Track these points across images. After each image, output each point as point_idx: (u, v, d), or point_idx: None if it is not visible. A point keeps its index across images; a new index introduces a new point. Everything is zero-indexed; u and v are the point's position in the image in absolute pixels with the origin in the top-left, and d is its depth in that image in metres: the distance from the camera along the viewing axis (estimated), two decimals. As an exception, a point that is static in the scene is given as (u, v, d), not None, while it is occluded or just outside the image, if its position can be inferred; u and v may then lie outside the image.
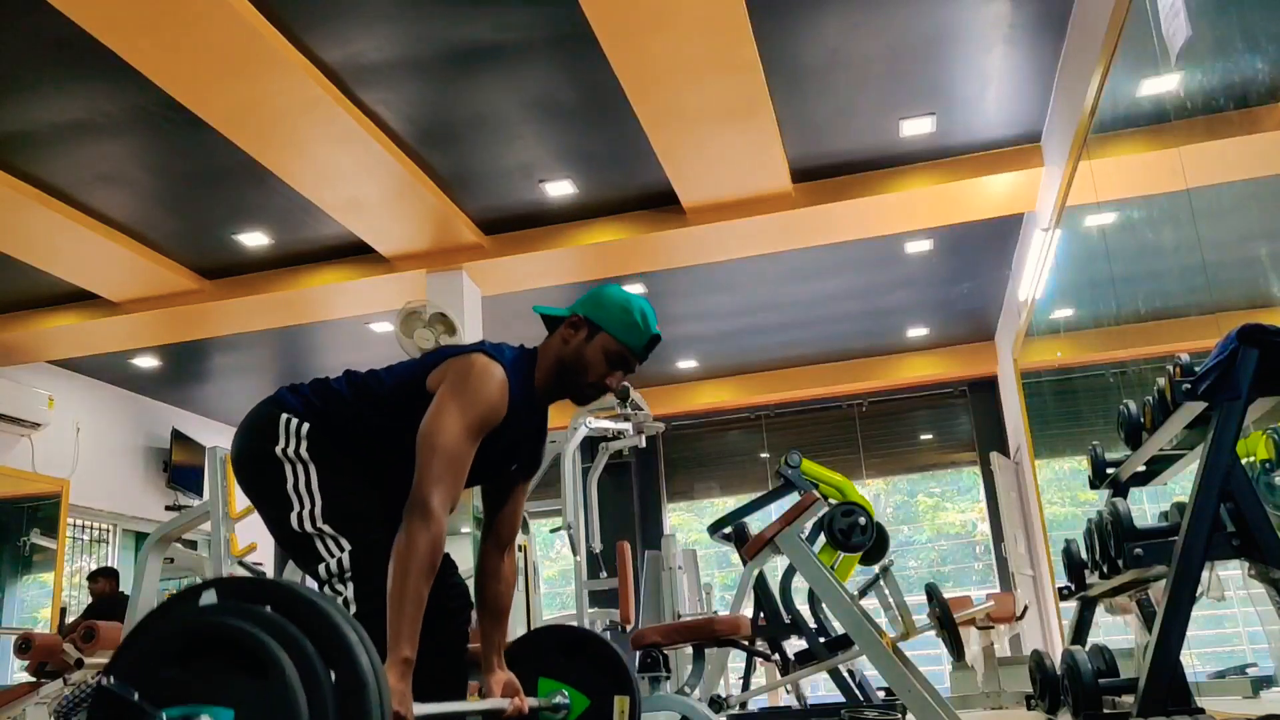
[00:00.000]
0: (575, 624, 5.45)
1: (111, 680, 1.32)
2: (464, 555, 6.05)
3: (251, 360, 8.63)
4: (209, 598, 1.38)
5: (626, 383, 5.60)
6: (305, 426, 1.94)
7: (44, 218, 5.74)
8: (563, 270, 6.81)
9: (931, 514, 10.67)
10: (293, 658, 1.31)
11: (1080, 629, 3.76)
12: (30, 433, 7.87)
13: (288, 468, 1.91)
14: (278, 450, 1.92)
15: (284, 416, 1.96)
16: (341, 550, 1.86)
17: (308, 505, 1.89)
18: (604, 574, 5.75)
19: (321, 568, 1.87)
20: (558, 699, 2.35)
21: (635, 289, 7.59)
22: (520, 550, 5.17)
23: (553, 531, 6.24)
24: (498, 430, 1.93)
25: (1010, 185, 6.02)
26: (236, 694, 1.30)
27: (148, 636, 1.39)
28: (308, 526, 1.88)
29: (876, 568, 4.92)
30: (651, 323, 2.05)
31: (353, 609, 1.83)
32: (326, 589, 1.87)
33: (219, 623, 1.34)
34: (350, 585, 1.84)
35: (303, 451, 1.92)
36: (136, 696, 1.30)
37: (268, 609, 1.35)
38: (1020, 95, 5.40)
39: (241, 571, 5.28)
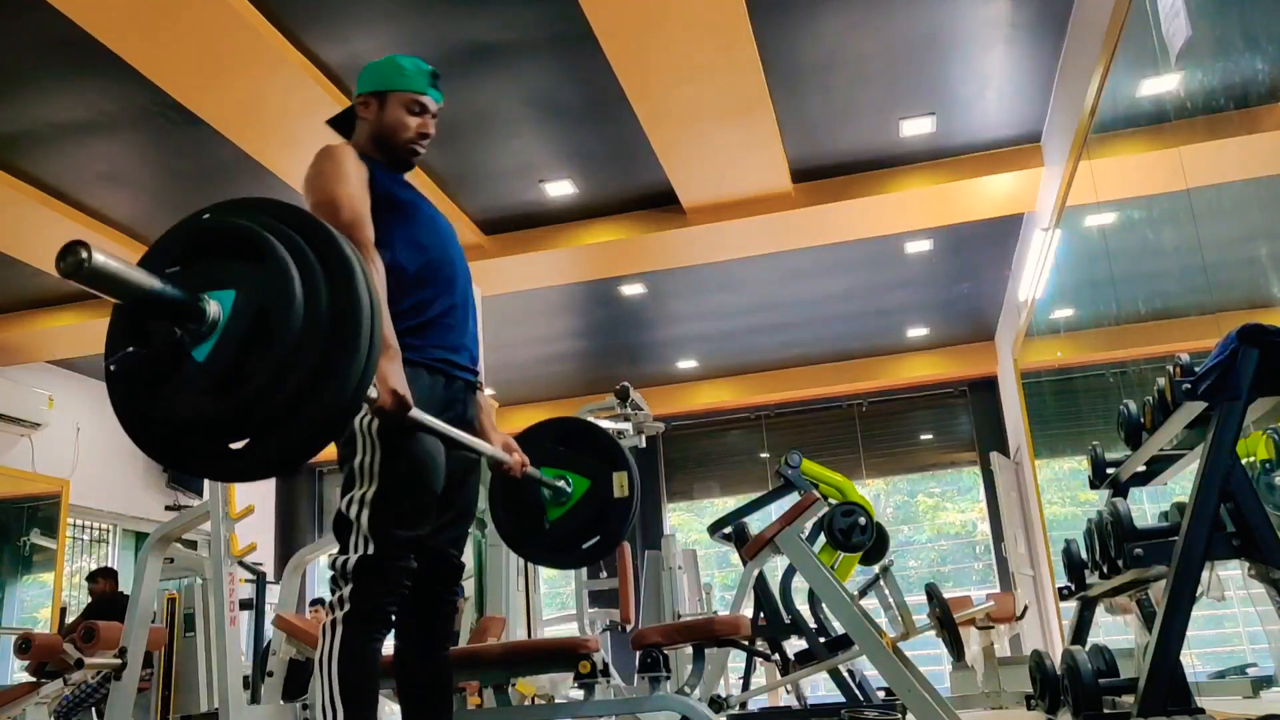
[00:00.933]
0: (577, 632, 5.46)
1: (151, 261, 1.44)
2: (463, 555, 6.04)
3: (251, 360, 8.63)
4: (206, 217, 1.51)
5: (626, 383, 5.60)
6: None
7: (44, 218, 5.74)
8: (563, 270, 6.81)
9: (931, 514, 10.67)
10: (285, 245, 1.43)
11: (1080, 629, 3.76)
12: (30, 433, 7.87)
13: (359, 441, 1.91)
14: (356, 421, 1.92)
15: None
16: (362, 550, 1.86)
17: (363, 487, 1.89)
18: (604, 574, 5.76)
19: (341, 561, 1.88)
20: (560, 483, 2.52)
21: (635, 289, 7.60)
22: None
23: (553, 531, 6.23)
24: (401, 198, 2.05)
25: (1010, 185, 6.02)
26: (238, 276, 1.42)
27: (154, 248, 1.51)
28: (353, 512, 1.89)
29: (876, 568, 4.92)
30: (420, 62, 2.18)
31: (347, 607, 1.83)
32: (331, 581, 1.89)
33: (214, 222, 1.47)
34: (349, 587, 1.85)
35: (374, 427, 1.90)
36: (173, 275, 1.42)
37: (264, 216, 1.48)
38: (1020, 95, 5.39)
39: (242, 572, 5.29)
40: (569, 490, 2.53)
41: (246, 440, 1.43)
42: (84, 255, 1.24)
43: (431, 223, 2.12)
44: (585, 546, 2.60)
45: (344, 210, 1.92)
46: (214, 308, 1.41)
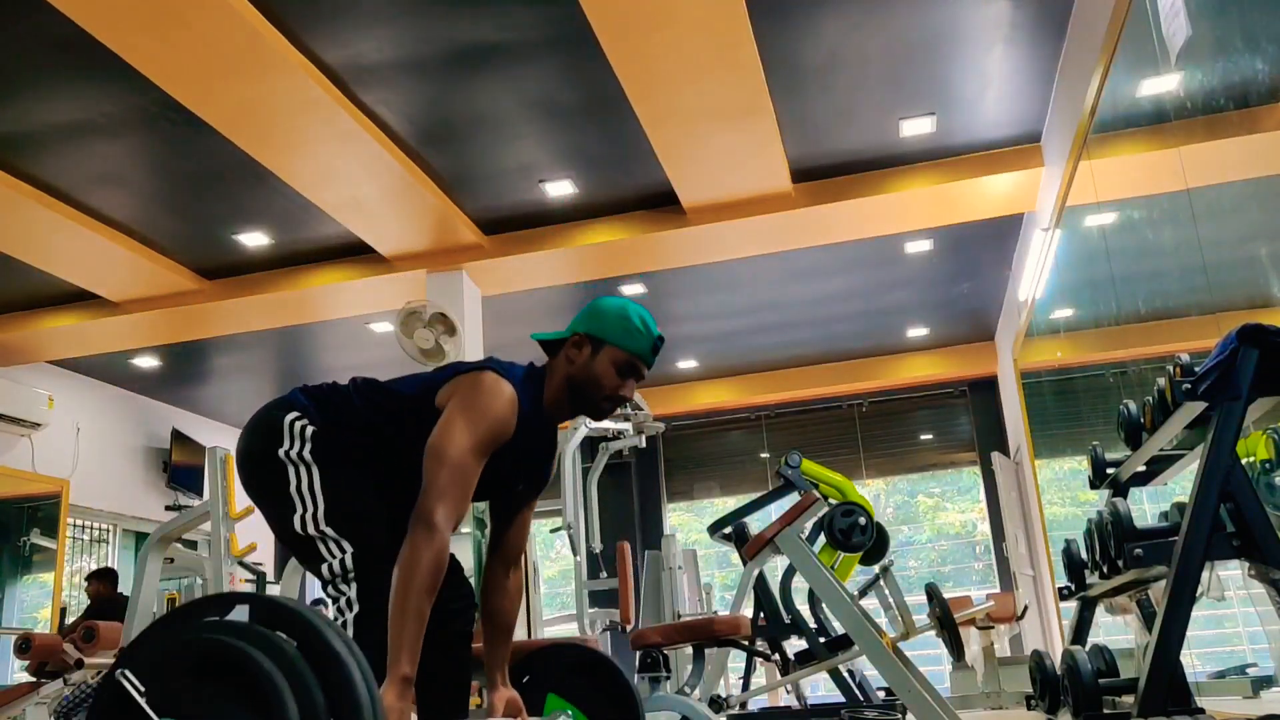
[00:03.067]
0: (577, 631, 5.46)
1: (127, 674, 1.33)
2: (464, 555, 6.05)
3: (251, 360, 8.64)
4: (241, 614, 1.38)
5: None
6: (311, 429, 1.95)
7: (44, 218, 5.74)
8: (563, 270, 6.81)
9: (931, 514, 10.67)
10: (300, 706, 1.31)
11: (1080, 629, 3.76)
12: (30, 433, 7.87)
13: (291, 470, 1.92)
14: (280, 452, 1.93)
15: (290, 417, 1.96)
16: (344, 551, 1.88)
17: (310, 508, 1.90)
18: (604, 574, 5.76)
19: (325, 568, 1.88)
20: (562, 718, 2.33)
21: (635, 289, 7.60)
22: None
23: (553, 531, 6.24)
24: (506, 448, 1.93)
25: (1010, 185, 6.02)
26: None
27: (170, 638, 1.39)
28: (310, 529, 1.89)
29: (876, 568, 4.92)
30: (652, 326, 2.06)
31: (356, 608, 1.84)
32: (330, 589, 1.89)
33: (242, 651, 1.33)
34: (354, 585, 1.85)
35: (306, 454, 1.93)
36: (144, 697, 1.31)
37: (293, 645, 1.35)
38: (1020, 95, 5.40)
39: (242, 572, 5.29)
40: None
41: None
42: None
43: (495, 467, 1.98)
44: None
45: (445, 472, 1.82)
46: None
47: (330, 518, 1.89)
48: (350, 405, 2.01)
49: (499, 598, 2.19)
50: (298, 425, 1.95)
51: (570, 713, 2.35)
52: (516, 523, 2.20)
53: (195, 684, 1.33)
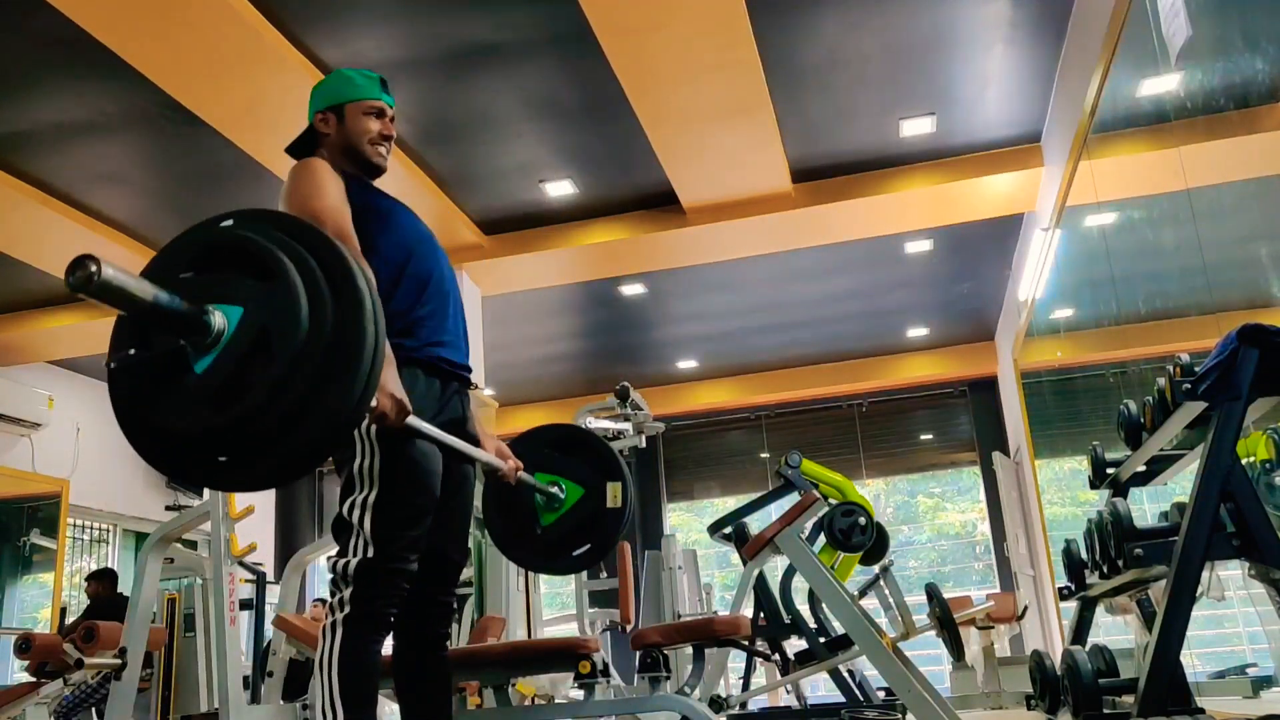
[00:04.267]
0: (577, 631, 5.46)
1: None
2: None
3: (251, 360, 8.63)
4: (227, 223, 1.55)
5: (626, 383, 5.60)
6: None
7: (44, 218, 5.73)
8: (563, 270, 6.81)
9: (931, 514, 10.67)
10: (298, 268, 1.44)
11: (1080, 629, 3.76)
12: (30, 433, 7.87)
13: (358, 445, 1.91)
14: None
15: None
16: (362, 554, 1.87)
17: (363, 491, 1.90)
18: (604, 574, 5.75)
19: (341, 564, 1.88)
20: (553, 489, 2.52)
21: (635, 289, 7.60)
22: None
23: (553, 531, 6.23)
24: (377, 207, 2.09)
25: (1010, 185, 6.02)
26: (245, 294, 1.44)
27: (170, 248, 1.54)
28: (354, 516, 1.89)
29: (876, 568, 4.92)
30: (365, 71, 2.27)
31: (347, 609, 1.84)
32: (332, 584, 1.89)
33: (233, 233, 1.50)
34: (350, 589, 1.85)
35: (372, 432, 1.90)
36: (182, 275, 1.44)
37: (280, 234, 1.50)
38: (1020, 95, 5.39)
39: (242, 572, 5.28)
40: (562, 496, 2.54)
41: (246, 453, 1.44)
42: (93, 269, 1.23)
43: (412, 227, 2.17)
44: (576, 553, 2.60)
45: (327, 224, 1.92)
46: (219, 320, 1.42)
47: (376, 516, 1.88)
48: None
49: None
50: None
51: (561, 484, 2.53)
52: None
53: (201, 275, 1.48)
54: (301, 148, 2.23)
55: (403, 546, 1.89)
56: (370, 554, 1.86)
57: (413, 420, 1.82)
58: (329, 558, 1.94)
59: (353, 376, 1.44)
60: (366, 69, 2.28)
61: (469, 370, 2.17)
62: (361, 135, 2.19)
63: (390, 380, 1.78)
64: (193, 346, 1.43)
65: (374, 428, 1.89)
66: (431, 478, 1.96)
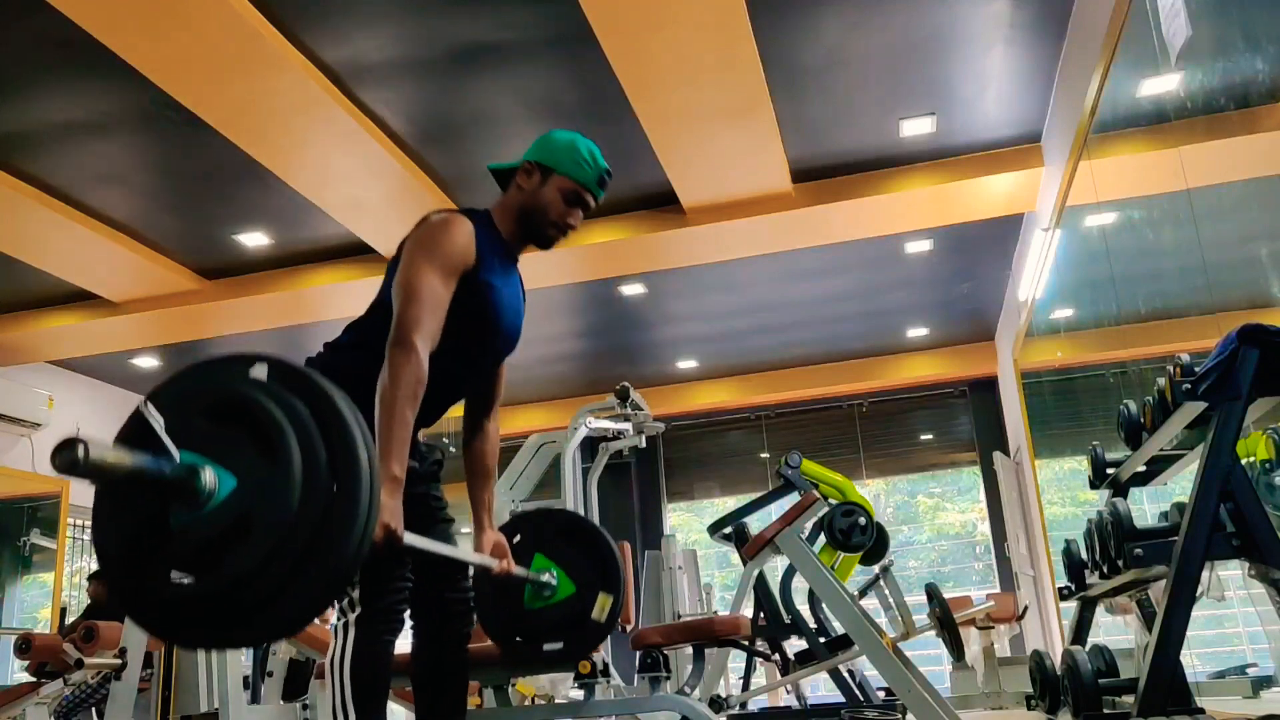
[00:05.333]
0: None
1: (149, 407, 1.41)
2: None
3: (251, 360, 8.63)
4: (260, 372, 1.48)
5: (626, 383, 5.60)
6: None
7: (44, 218, 5.74)
8: (563, 270, 6.80)
9: (931, 514, 10.67)
10: (305, 461, 1.39)
11: (1080, 629, 3.76)
12: (30, 433, 7.87)
13: None
14: None
15: None
16: None
17: None
18: (604, 574, 5.74)
19: None
20: (546, 577, 2.44)
21: (635, 289, 7.60)
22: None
23: (553, 531, 6.23)
24: (488, 282, 1.99)
25: (1010, 185, 6.02)
26: (246, 466, 1.40)
27: (195, 382, 1.50)
28: None
29: (876, 568, 4.92)
30: (599, 159, 2.14)
31: (357, 610, 1.84)
32: None
33: (258, 401, 1.43)
34: (357, 588, 1.85)
35: None
36: (164, 427, 1.39)
37: (303, 406, 1.43)
38: (1020, 95, 5.39)
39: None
40: (553, 586, 2.46)
41: (213, 621, 1.40)
42: (79, 453, 1.19)
43: (497, 320, 2.06)
44: (546, 648, 2.51)
45: (414, 303, 1.88)
46: (209, 481, 1.37)
47: None
48: (345, 347, 2.07)
49: (480, 441, 2.25)
50: None
51: (554, 572, 2.44)
52: (496, 375, 2.26)
53: (211, 424, 1.43)
54: (500, 175, 2.18)
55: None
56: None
57: (407, 541, 1.77)
58: None
59: (332, 571, 1.39)
60: (597, 149, 2.17)
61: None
62: (549, 208, 2.09)
63: (388, 509, 1.71)
64: (180, 505, 1.40)
65: None
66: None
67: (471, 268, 1.97)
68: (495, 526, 2.23)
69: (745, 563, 4.20)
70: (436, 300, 1.90)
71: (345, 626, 1.84)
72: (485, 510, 2.22)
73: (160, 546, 1.40)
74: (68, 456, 1.19)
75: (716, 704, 4.09)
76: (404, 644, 2.02)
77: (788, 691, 5.71)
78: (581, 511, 5.69)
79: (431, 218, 1.99)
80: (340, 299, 6.99)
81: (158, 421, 1.39)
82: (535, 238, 2.13)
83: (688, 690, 3.74)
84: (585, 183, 2.11)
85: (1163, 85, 3.66)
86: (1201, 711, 2.49)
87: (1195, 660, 4.11)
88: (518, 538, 2.44)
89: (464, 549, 2.08)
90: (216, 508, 1.37)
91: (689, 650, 4.03)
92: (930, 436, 10.44)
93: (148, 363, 8.36)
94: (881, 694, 4.88)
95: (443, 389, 2.01)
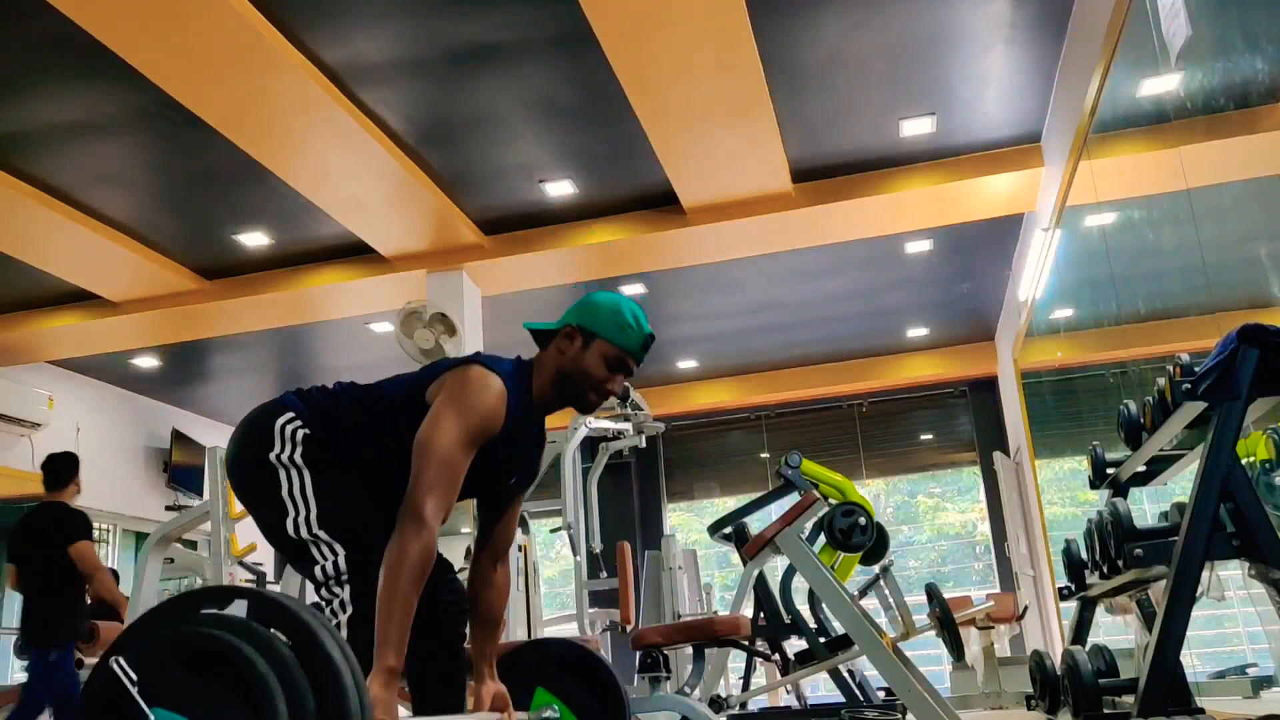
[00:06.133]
0: (577, 631, 5.46)
1: (120, 663, 1.34)
2: (456, 556, 6.05)
3: (251, 360, 8.64)
4: (238, 608, 1.40)
5: (627, 383, 5.61)
6: (302, 432, 1.96)
7: (44, 218, 5.74)
8: (563, 270, 6.80)
9: (931, 514, 10.67)
10: (291, 710, 1.31)
11: (1080, 629, 3.76)
12: (30, 433, 7.87)
13: (282, 473, 1.93)
14: (271, 456, 1.94)
15: (281, 420, 1.97)
16: (336, 554, 1.89)
17: (302, 511, 1.91)
18: (604, 574, 5.75)
19: (318, 570, 1.89)
20: (547, 714, 2.35)
21: (635, 289, 7.60)
22: (520, 550, 5.17)
23: (553, 532, 6.24)
24: (496, 440, 1.94)
25: (1010, 185, 6.02)
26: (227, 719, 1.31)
27: (167, 629, 1.40)
28: (303, 533, 1.90)
29: (876, 568, 4.92)
30: (643, 322, 2.07)
31: (349, 610, 1.84)
32: (324, 590, 1.89)
33: (238, 649, 1.34)
34: (347, 587, 1.86)
35: (297, 457, 1.93)
36: (135, 686, 1.32)
37: (284, 644, 1.36)
38: (1020, 95, 5.39)
39: (242, 572, 5.28)
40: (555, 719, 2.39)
41: None
42: None
43: (489, 469, 2.01)
44: None
45: (434, 466, 1.83)
46: None
47: (323, 521, 1.90)
48: (339, 407, 2.02)
49: (486, 591, 2.20)
50: (289, 428, 1.96)
51: (556, 707, 2.36)
52: (505, 517, 2.21)
53: (188, 676, 1.34)
54: (539, 334, 2.11)
55: (370, 532, 1.89)
56: (341, 551, 1.88)
57: None
58: (301, 574, 1.95)
59: None
60: (641, 312, 2.10)
61: None
62: (591, 373, 2.03)
63: (382, 705, 1.67)
64: None
65: (295, 453, 1.92)
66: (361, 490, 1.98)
67: (499, 430, 1.93)
68: (496, 677, 2.17)
69: (745, 563, 4.20)
70: (456, 472, 1.86)
71: (336, 628, 1.83)
72: (487, 662, 2.16)
73: None
74: None
75: (716, 704, 4.09)
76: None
77: (788, 691, 5.71)
78: (582, 512, 5.69)
79: (473, 372, 1.93)
80: (340, 299, 6.99)
81: (130, 680, 1.32)
82: (574, 402, 2.07)
83: (688, 690, 3.75)
84: (629, 349, 2.04)
85: (1163, 85, 3.66)
86: (1201, 711, 2.49)
87: (1195, 660, 4.11)
88: (517, 672, 2.35)
89: (467, 717, 2.03)
90: None
91: (689, 650, 4.04)
92: (930, 436, 10.44)
93: (148, 363, 8.36)
94: (881, 694, 4.88)
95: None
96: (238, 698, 1.32)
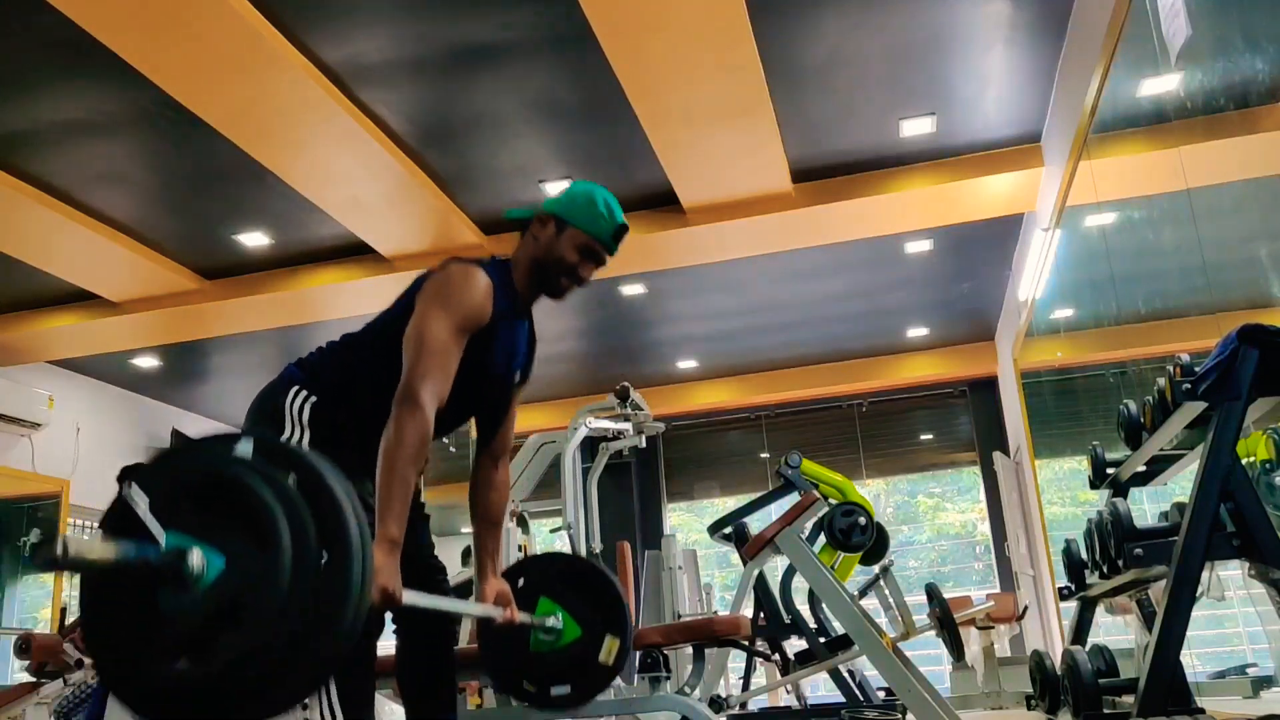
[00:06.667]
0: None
1: (133, 487, 1.39)
2: (457, 558, 6.05)
3: (251, 360, 8.63)
4: (245, 449, 1.45)
5: (626, 383, 5.60)
6: (310, 403, 1.97)
7: (44, 218, 5.74)
8: (563, 270, 6.79)
9: (932, 514, 10.67)
10: (295, 538, 1.37)
11: (1080, 629, 3.76)
12: (30, 433, 7.87)
13: (288, 423, 1.95)
14: (286, 403, 1.97)
15: (289, 399, 1.99)
16: None
17: None
18: (604, 574, 5.74)
19: None
20: (550, 621, 2.42)
21: (635, 289, 7.60)
22: (520, 550, 5.17)
23: (553, 532, 6.24)
24: (488, 332, 1.99)
25: (1010, 185, 6.02)
26: (234, 547, 1.37)
27: (179, 463, 1.48)
28: None
29: (876, 568, 4.93)
30: (617, 212, 2.12)
31: None
32: None
33: (244, 483, 1.40)
34: None
35: (305, 443, 1.94)
36: (149, 507, 1.37)
37: (291, 479, 1.42)
38: (1020, 95, 5.39)
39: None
40: (559, 630, 2.44)
41: (203, 706, 1.37)
42: (58, 551, 1.18)
43: (484, 363, 2.04)
44: (554, 692, 2.49)
45: (425, 356, 1.87)
46: (197, 563, 1.35)
47: None
48: (334, 358, 2.07)
49: (487, 491, 2.24)
50: (297, 403, 1.98)
51: (560, 615, 2.42)
52: (504, 419, 2.25)
53: (197, 506, 1.40)
54: (517, 220, 2.16)
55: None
56: None
57: (407, 600, 1.76)
58: None
59: (328, 646, 1.37)
60: (616, 203, 2.15)
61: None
62: (562, 261, 2.09)
63: (385, 570, 1.71)
64: (167, 585, 1.37)
65: (305, 407, 1.93)
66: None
67: (484, 325, 1.97)
68: (500, 574, 2.21)
69: (745, 563, 4.20)
70: (448, 358, 1.90)
71: None
72: (490, 558, 2.20)
73: (151, 632, 1.36)
74: (46, 555, 1.18)
75: (716, 704, 4.09)
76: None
77: (788, 691, 5.71)
78: (582, 512, 5.69)
79: (452, 267, 1.98)
80: (340, 299, 6.99)
81: (142, 502, 1.36)
82: (548, 288, 2.12)
83: (688, 690, 3.74)
84: (600, 237, 2.10)
85: (1163, 85, 3.66)
86: (1201, 711, 2.49)
87: (1195, 660, 4.11)
88: (521, 582, 2.41)
89: (467, 602, 2.06)
90: (207, 589, 1.35)
91: (689, 650, 4.03)
92: (930, 436, 10.44)
93: (148, 363, 8.36)
94: (881, 694, 4.88)
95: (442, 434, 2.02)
96: (244, 527, 1.37)
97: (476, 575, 2.19)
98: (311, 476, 1.43)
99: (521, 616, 2.23)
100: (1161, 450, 3.24)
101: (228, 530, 1.38)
